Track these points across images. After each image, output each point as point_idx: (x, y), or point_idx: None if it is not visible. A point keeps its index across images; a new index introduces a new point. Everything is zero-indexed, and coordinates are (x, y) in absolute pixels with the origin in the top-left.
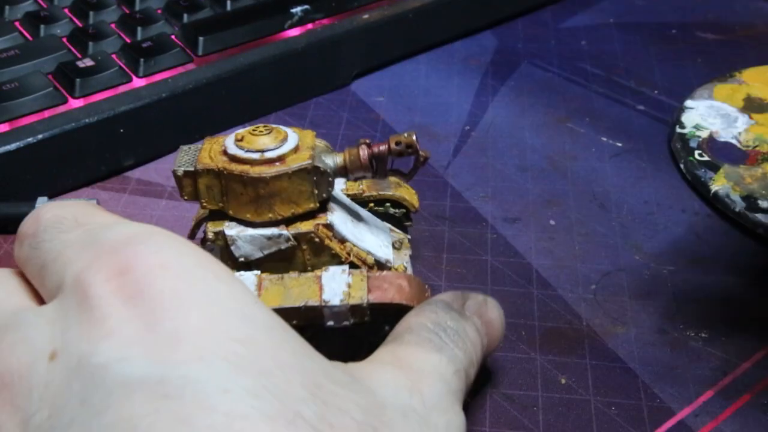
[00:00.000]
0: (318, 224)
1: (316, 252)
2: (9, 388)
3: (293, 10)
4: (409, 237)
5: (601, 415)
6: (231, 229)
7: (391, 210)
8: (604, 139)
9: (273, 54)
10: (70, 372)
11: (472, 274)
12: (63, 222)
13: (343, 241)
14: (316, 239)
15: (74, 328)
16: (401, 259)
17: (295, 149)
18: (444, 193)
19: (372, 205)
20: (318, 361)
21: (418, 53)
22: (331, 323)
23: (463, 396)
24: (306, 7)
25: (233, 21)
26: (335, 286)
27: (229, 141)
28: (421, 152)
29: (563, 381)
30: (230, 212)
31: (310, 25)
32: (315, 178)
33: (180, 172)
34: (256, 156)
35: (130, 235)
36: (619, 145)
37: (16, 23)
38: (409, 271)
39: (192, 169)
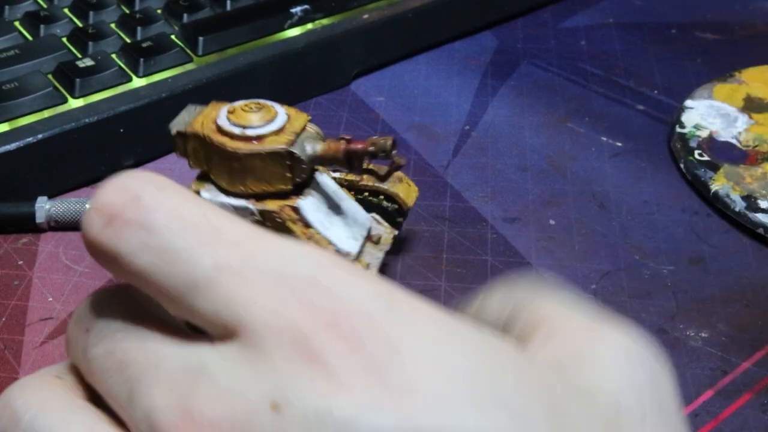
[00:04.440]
0: (285, 205)
1: (278, 232)
2: None
3: (293, 10)
4: (397, 233)
5: None
6: (206, 192)
7: (385, 203)
8: (604, 139)
9: (273, 54)
10: (308, 424)
11: (471, 274)
12: (193, 225)
13: (307, 225)
14: (278, 219)
15: (298, 381)
16: (372, 255)
17: (278, 131)
18: (444, 193)
19: (367, 194)
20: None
21: (417, 53)
22: None
23: None
24: (306, 7)
25: (233, 21)
26: None
27: (223, 110)
28: (395, 159)
29: None
30: (212, 176)
31: (310, 25)
32: (289, 163)
33: (173, 132)
34: (237, 131)
35: (313, 270)
36: (619, 145)
37: (16, 23)
38: (375, 267)
39: (183, 130)
